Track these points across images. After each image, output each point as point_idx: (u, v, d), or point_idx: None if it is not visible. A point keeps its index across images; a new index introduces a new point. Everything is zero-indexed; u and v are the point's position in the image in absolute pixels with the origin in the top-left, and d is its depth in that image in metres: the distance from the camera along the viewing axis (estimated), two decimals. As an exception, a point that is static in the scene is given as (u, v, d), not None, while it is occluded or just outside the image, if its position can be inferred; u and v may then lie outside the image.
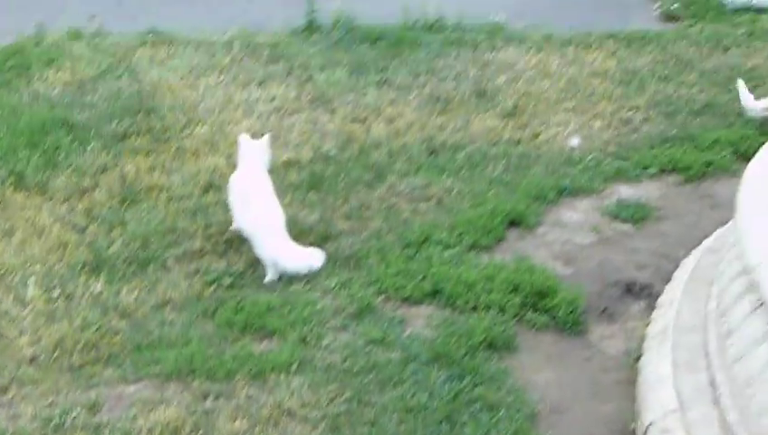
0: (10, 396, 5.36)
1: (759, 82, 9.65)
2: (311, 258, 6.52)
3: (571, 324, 5.95)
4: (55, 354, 5.68)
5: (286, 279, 6.41)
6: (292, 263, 6.46)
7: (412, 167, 8.07)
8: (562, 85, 9.86)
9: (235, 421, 5.07)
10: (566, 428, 5.16)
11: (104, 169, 8.01)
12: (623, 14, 12.68)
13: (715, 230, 6.63)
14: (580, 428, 5.17)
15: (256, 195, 6.70)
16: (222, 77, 10.21)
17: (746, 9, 12.35)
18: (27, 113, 8.97)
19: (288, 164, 8.11)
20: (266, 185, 6.80)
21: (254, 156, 6.95)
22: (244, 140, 7.06)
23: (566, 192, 7.65)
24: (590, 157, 8.24)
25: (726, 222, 6.77)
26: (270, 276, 6.42)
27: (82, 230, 7.11)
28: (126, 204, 7.46)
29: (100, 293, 6.29)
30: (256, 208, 6.61)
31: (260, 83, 10.01)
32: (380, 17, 11.78)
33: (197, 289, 6.34)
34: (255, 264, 6.56)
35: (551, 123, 8.96)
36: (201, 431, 5.01)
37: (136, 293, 6.29)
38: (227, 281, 6.42)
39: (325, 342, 5.75)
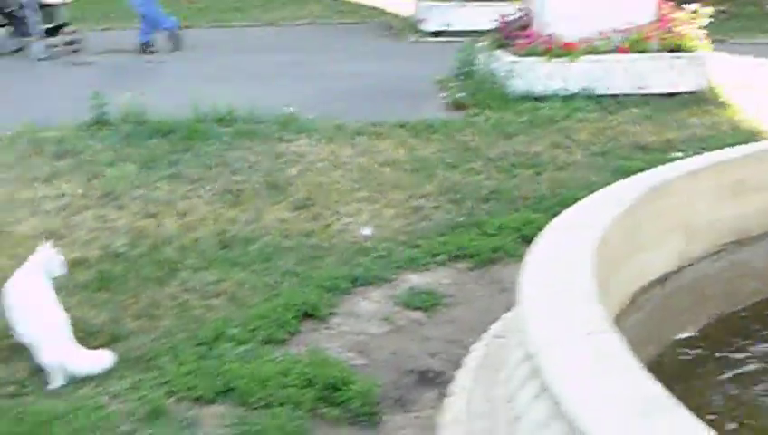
0: None
1: (541, 169, 10.03)
2: (100, 359, 6.31)
3: (365, 416, 5.90)
4: None
5: (73, 385, 6.16)
6: (81, 365, 6.23)
7: (204, 262, 7.96)
8: (354, 175, 9.99)
9: None
10: None
11: None
12: (413, 104, 13.04)
13: (502, 314, 6.77)
14: None
15: (34, 301, 6.44)
16: (6, 174, 9.91)
17: (528, 98, 12.88)
18: None
19: (76, 263, 7.85)
20: (45, 290, 6.53)
21: (32, 262, 6.66)
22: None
23: (359, 282, 7.67)
24: (382, 246, 8.32)
25: (513, 306, 6.95)
26: (55, 383, 6.16)
27: None
28: None
29: None
30: (35, 315, 6.35)
31: (46, 180, 9.76)
32: (172, 111, 11.72)
33: (-24, 400, 6.03)
34: (40, 370, 6.29)
35: (343, 213, 9.03)
36: None
37: None
38: (10, 389, 6.11)
39: (112, 449, 5.55)
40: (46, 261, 6.69)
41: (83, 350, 6.37)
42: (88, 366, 6.25)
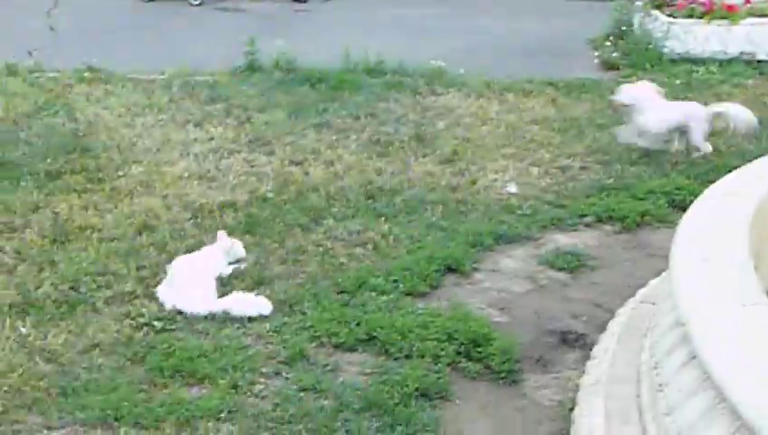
0: (-72, 442, 5.22)
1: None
2: (259, 305, 6.46)
3: (505, 373, 5.89)
4: (-23, 399, 5.53)
5: (218, 324, 6.32)
6: (240, 307, 6.41)
7: (349, 211, 8.04)
8: (501, 131, 9.92)
9: (160, 470, 4.97)
10: (499, 479, 5.13)
11: (36, 209, 7.89)
12: (564, 62, 12.84)
13: (649, 280, 6.66)
14: (512, 479, 5.14)
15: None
16: (160, 116, 10.16)
17: (684, 60, 12.55)
18: (-42, 149, 8.86)
19: (224, 206, 8.04)
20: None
21: (217, 247, 6.98)
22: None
23: (503, 239, 7.64)
24: (527, 204, 8.26)
25: (661, 272, 6.81)
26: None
27: (11, 271, 6.96)
28: (57, 244, 7.33)
29: (27, 335, 6.13)
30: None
31: (198, 123, 9.98)
32: (321, 60, 11.81)
33: (127, 333, 6.21)
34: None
35: (489, 169, 8.98)
36: (126, 480, 4.91)
37: (64, 336, 6.14)
38: (158, 325, 6.29)
39: (257, 388, 5.64)
40: (228, 247, 6.97)
41: (243, 294, 6.55)
42: (246, 309, 6.42)
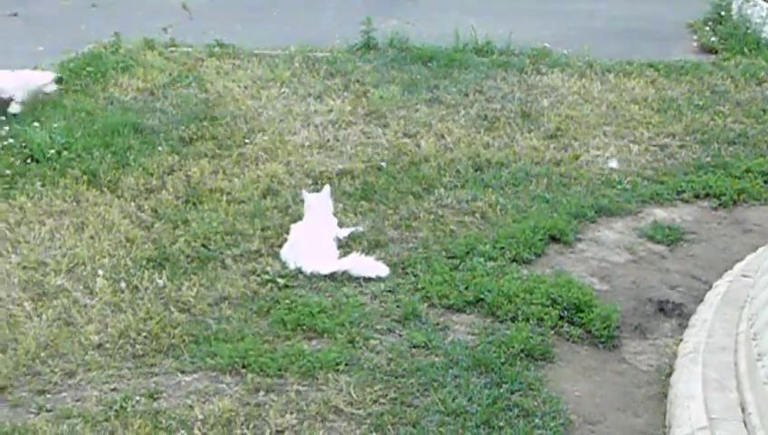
0: (77, 380, 5.34)
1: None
2: (377, 268, 6.49)
3: (605, 339, 5.83)
4: (120, 343, 5.65)
5: (337, 283, 6.35)
6: (360, 268, 6.45)
7: (459, 181, 8.00)
8: (603, 110, 9.75)
9: (284, 416, 5.01)
10: (598, 438, 5.07)
11: (171, 171, 8.02)
12: (663, 46, 12.53)
13: (746, 255, 6.50)
14: (611, 439, 5.08)
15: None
16: (283, 89, 10.22)
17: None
18: (102, 116, 9.04)
19: (342, 173, 8.07)
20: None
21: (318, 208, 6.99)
22: (306, 194, 7.09)
23: (604, 212, 7.52)
24: (627, 179, 8.12)
25: (757, 248, 6.65)
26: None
27: (149, 227, 7.11)
28: (189, 204, 7.46)
29: (163, 287, 6.27)
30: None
31: (318, 97, 10.01)
32: (432, 39, 11.76)
33: (253, 288, 6.30)
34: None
35: (591, 146, 8.84)
36: (252, 424, 4.96)
37: (196, 289, 6.26)
38: (281, 282, 6.36)
39: (372, 343, 5.68)
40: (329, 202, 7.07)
41: (362, 256, 6.59)
42: (365, 270, 6.45)
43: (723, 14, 13.18)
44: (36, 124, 8.61)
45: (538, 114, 9.54)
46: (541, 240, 6.94)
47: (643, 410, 5.22)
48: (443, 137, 8.94)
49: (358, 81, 10.47)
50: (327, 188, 7.13)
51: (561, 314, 5.97)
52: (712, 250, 7.04)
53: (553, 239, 7.04)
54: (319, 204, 6.95)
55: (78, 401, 5.16)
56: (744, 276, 5.90)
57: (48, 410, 5.08)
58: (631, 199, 7.76)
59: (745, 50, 11.90)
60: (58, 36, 12.31)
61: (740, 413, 4.56)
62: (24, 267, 6.50)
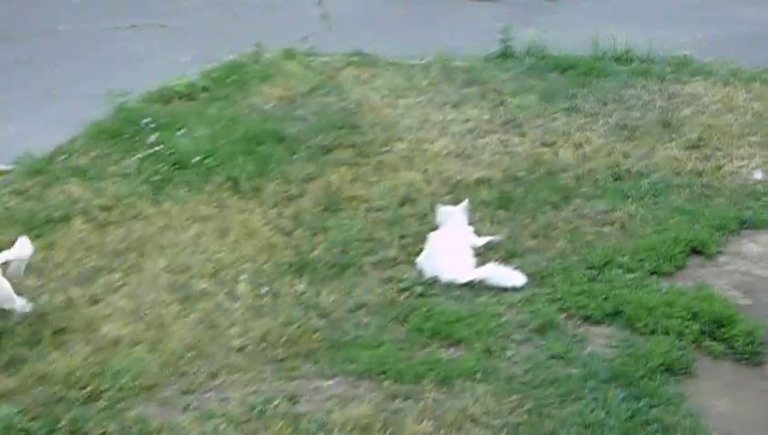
0: (219, 381, 5.51)
1: None
2: (515, 277, 6.50)
3: (748, 355, 5.68)
4: (261, 346, 5.81)
5: (473, 292, 6.38)
6: (496, 278, 6.48)
7: (597, 191, 7.93)
8: (748, 119, 9.49)
9: (421, 423, 5.06)
10: (740, 457, 4.96)
11: (310, 179, 8.19)
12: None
13: None
14: (753, 458, 4.96)
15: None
16: (420, 98, 10.29)
17: None
18: (243, 124, 9.27)
19: (479, 182, 8.10)
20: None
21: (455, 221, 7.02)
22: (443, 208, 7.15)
23: (748, 224, 7.34)
24: (774, 191, 7.91)
25: None
26: None
27: (289, 234, 7.27)
28: (329, 212, 7.61)
29: (303, 292, 6.41)
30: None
31: (455, 105, 10.05)
32: (570, 48, 11.65)
33: (391, 295, 6.38)
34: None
35: (734, 156, 8.61)
36: (390, 430, 5.02)
37: (335, 295, 6.38)
38: (419, 289, 6.43)
39: (509, 353, 5.68)
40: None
41: (499, 266, 6.61)
42: (502, 280, 6.47)
43: None
44: (182, 132, 8.90)
45: (679, 123, 9.36)
46: (681, 252, 6.82)
47: (788, 430, 5.09)
48: (581, 146, 8.86)
49: (495, 89, 10.46)
50: (465, 202, 7.15)
51: (703, 329, 5.85)
52: None
53: (694, 252, 6.90)
54: (455, 216, 6.99)
55: (221, 401, 5.31)
56: None
57: (194, 410, 5.25)
58: (777, 212, 7.55)
59: None
60: (201, 46, 12.67)
61: None
62: (171, 271, 6.73)
